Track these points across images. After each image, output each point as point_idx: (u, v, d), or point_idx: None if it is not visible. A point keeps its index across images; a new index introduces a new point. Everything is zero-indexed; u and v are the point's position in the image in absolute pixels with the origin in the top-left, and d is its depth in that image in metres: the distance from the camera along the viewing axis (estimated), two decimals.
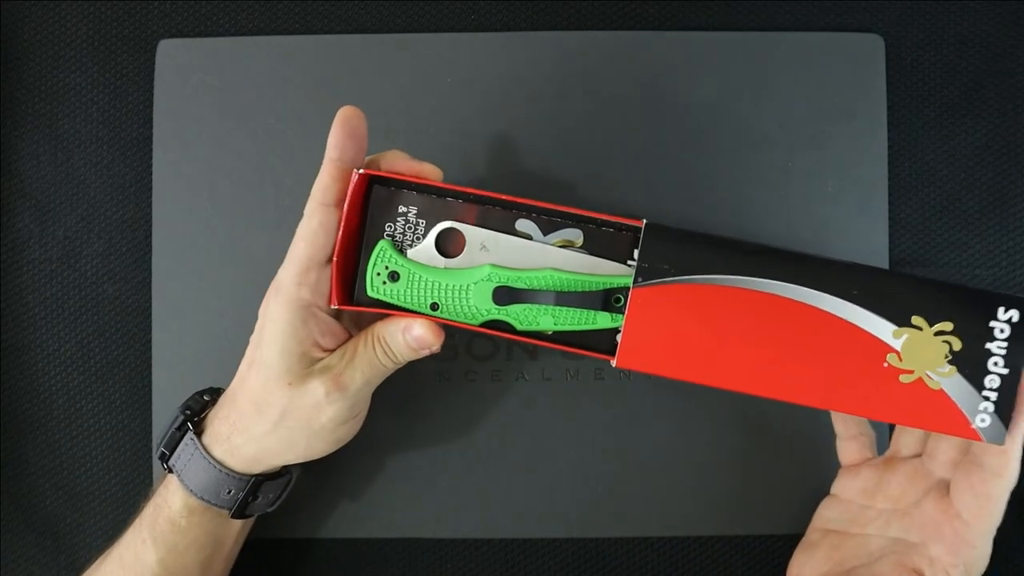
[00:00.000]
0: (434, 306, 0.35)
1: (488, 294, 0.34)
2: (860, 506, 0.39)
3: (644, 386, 0.44)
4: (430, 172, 0.35)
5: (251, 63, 0.45)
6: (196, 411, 0.38)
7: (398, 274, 0.34)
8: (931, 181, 0.45)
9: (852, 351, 0.31)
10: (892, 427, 0.44)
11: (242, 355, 0.37)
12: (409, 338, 0.35)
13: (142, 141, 0.45)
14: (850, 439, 0.40)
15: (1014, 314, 0.31)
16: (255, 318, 0.37)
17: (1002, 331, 0.31)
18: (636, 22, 0.45)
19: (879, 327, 0.31)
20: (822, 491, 0.41)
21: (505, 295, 0.34)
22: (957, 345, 0.31)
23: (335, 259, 0.34)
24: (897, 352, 0.31)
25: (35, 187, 0.45)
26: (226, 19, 0.46)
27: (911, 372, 0.31)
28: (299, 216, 0.35)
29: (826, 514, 0.40)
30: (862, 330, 0.31)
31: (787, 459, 0.44)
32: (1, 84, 0.45)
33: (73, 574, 0.40)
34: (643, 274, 0.32)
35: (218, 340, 0.44)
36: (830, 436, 0.41)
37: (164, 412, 0.44)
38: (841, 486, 0.40)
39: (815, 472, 0.44)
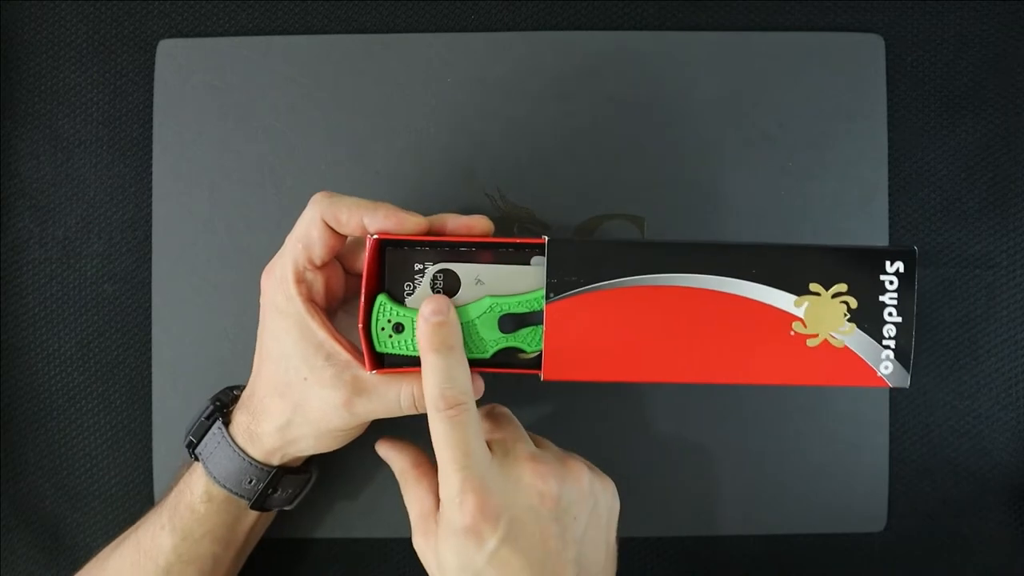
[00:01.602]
0: None
1: (494, 325, 0.34)
2: None
3: (642, 386, 0.44)
4: (479, 225, 0.35)
5: (251, 63, 0.45)
6: (225, 403, 0.39)
7: (402, 325, 0.34)
8: (931, 181, 0.45)
9: (760, 326, 0.33)
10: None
11: (242, 354, 0.37)
12: None
13: (142, 141, 0.45)
14: None
15: (899, 265, 0.33)
16: (255, 318, 0.37)
17: (892, 283, 0.33)
18: (636, 22, 0.45)
19: (781, 300, 0.33)
20: (820, 491, 0.41)
21: (510, 322, 0.34)
22: (854, 303, 0.33)
23: (361, 326, 0.34)
24: (801, 320, 0.33)
25: (35, 187, 0.45)
26: (226, 19, 0.46)
27: (816, 336, 0.33)
28: (299, 216, 0.35)
29: None
30: (766, 305, 0.33)
31: (786, 459, 0.44)
32: (1, 84, 0.45)
33: (73, 573, 0.40)
34: (554, 289, 0.33)
35: (218, 340, 0.44)
36: (829, 436, 0.41)
37: (164, 412, 0.44)
38: None
39: (814, 471, 0.44)
